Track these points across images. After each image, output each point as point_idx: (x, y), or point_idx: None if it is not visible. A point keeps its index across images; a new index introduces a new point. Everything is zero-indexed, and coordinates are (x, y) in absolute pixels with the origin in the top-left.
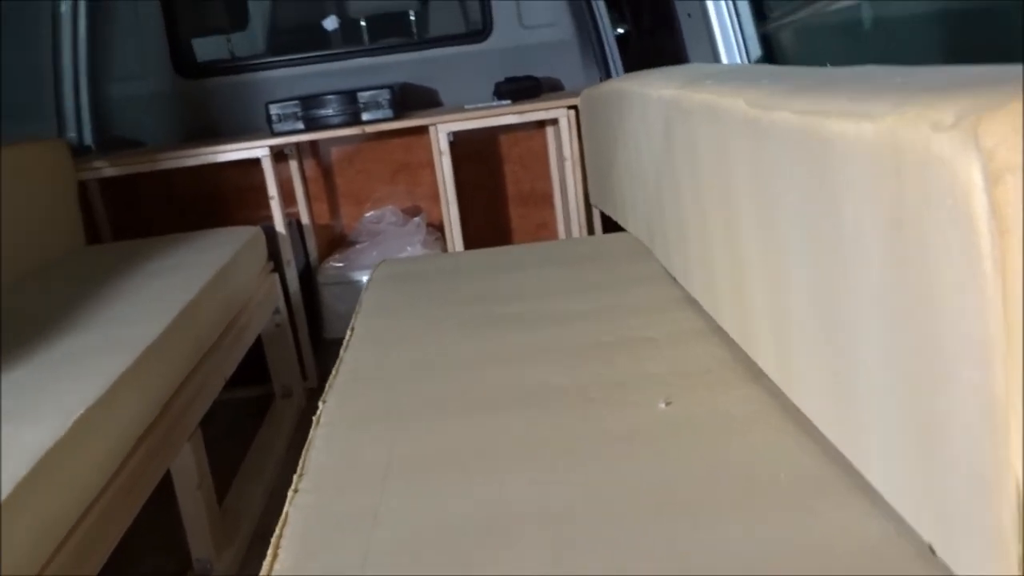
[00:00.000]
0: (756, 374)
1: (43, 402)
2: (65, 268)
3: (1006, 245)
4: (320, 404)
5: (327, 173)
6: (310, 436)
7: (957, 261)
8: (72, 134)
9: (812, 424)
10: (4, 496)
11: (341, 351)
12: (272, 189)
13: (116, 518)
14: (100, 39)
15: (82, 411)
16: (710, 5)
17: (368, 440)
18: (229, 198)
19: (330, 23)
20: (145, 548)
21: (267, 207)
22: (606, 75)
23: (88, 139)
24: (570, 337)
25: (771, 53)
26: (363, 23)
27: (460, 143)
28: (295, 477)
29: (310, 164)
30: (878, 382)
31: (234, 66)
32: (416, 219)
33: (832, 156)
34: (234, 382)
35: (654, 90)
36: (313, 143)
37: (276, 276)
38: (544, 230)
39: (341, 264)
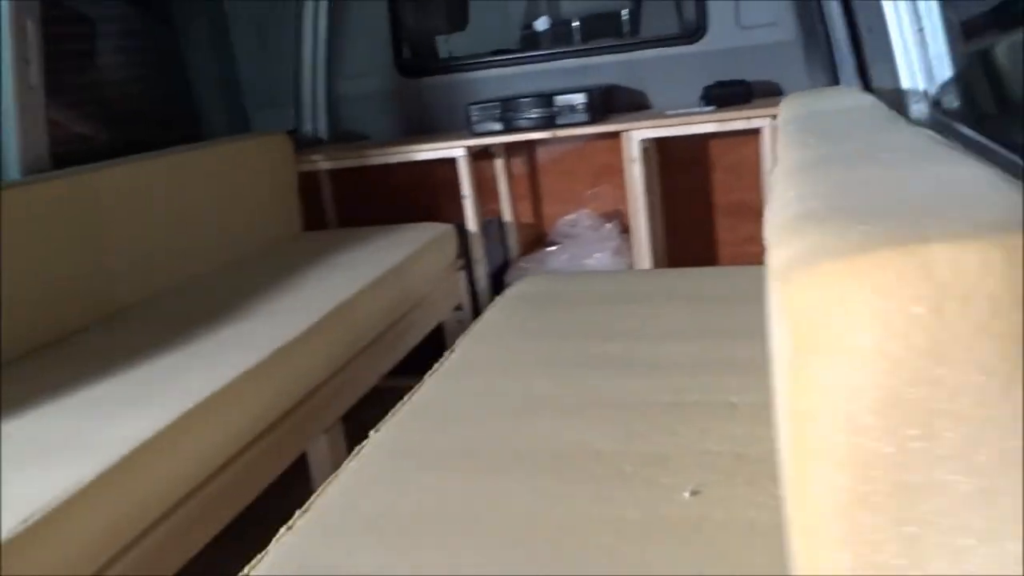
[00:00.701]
0: None
1: (160, 393)
2: (272, 254)
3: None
4: (371, 433)
5: (533, 172)
6: (340, 468)
7: None
8: (308, 127)
9: None
10: (85, 483)
11: (426, 375)
12: (465, 188)
13: (215, 511)
14: (334, 40)
15: (189, 406)
16: (889, 17)
17: (382, 486)
18: (439, 192)
19: (541, 23)
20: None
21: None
22: (834, 80)
23: (322, 131)
24: (651, 391)
25: (973, 76)
26: (574, 24)
27: (668, 148)
28: (297, 512)
29: (517, 163)
30: None
31: (448, 66)
32: (608, 225)
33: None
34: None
35: (780, 118)
36: (523, 143)
37: (462, 273)
38: (752, 244)
39: (528, 266)
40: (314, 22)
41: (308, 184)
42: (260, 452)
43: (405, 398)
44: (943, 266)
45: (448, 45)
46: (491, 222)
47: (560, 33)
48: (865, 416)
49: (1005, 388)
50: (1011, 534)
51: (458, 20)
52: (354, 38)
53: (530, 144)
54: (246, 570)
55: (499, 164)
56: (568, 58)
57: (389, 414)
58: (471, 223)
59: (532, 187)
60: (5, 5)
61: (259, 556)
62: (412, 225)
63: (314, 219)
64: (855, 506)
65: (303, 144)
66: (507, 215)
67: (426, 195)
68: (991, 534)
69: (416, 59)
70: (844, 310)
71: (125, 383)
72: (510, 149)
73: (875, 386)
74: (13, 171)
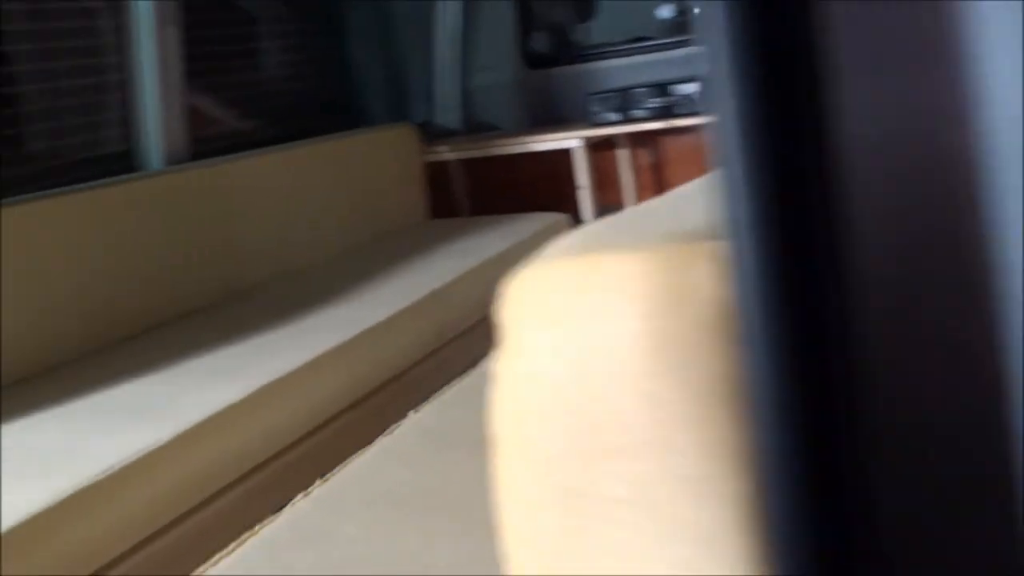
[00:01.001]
0: None
1: (246, 367)
2: (391, 241)
3: None
4: (410, 413)
5: (657, 163)
6: (373, 443)
7: None
8: (440, 118)
9: None
10: (165, 441)
11: (481, 360)
12: (581, 179)
13: (294, 478)
14: (467, 33)
15: (265, 381)
16: None
17: (400, 464)
18: (564, 182)
19: (665, 11)
20: None
21: (605, 193)
22: None
23: (455, 123)
24: None
25: None
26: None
27: None
28: (318, 480)
29: (641, 153)
30: None
31: (573, 56)
32: None
33: None
34: None
35: None
36: (648, 133)
37: None
38: None
39: None
40: (444, 16)
41: (441, 174)
42: (341, 428)
43: (453, 382)
44: (607, 274)
45: (576, 36)
46: (610, 212)
47: (686, 20)
48: (541, 420)
49: (658, 397)
50: (674, 542)
51: (585, 11)
52: (486, 31)
53: (654, 134)
54: (256, 528)
55: (622, 154)
56: (693, 45)
57: (434, 395)
58: (587, 213)
59: (656, 178)
60: (149, 14)
61: (271, 517)
62: (526, 215)
63: (447, 207)
64: (537, 508)
65: (435, 135)
66: (630, 206)
67: (551, 184)
68: (656, 539)
69: (544, 50)
70: (527, 311)
71: (221, 356)
72: (634, 139)
73: (546, 390)
74: (156, 162)
